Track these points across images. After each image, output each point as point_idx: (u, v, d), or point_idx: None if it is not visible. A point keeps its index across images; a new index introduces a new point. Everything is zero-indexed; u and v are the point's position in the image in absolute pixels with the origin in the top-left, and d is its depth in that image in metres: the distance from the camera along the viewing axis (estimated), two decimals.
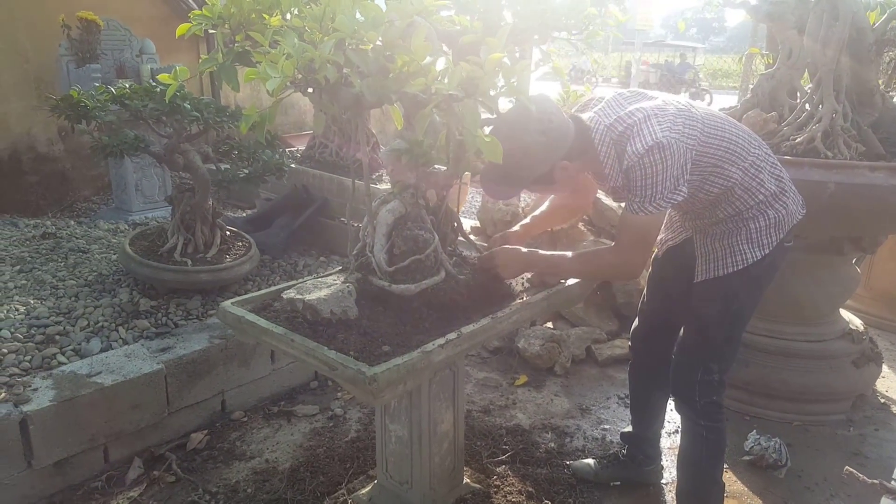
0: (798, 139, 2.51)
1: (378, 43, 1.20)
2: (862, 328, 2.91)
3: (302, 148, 5.16)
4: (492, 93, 1.30)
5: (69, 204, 5.64)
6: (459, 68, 1.19)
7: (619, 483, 2.31)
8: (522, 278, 1.91)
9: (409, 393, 1.82)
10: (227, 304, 1.70)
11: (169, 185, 5.07)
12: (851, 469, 2.24)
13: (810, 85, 2.62)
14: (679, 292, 2.01)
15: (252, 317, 1.62)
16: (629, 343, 2.29)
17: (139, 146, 2.80)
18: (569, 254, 1.84)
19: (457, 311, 1.66)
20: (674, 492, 2.17)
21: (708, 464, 1.98)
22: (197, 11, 1.43)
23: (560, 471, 2.38)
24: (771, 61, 2.89)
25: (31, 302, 2.85)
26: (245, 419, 2.72)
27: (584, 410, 2.84)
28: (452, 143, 1.63)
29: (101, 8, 5.21)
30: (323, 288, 1.64)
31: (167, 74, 1.53)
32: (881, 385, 3.04)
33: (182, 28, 1.55)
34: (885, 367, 3.03)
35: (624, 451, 2.34)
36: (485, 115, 1.58)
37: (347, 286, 1.64)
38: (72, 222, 4.43)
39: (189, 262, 2.97)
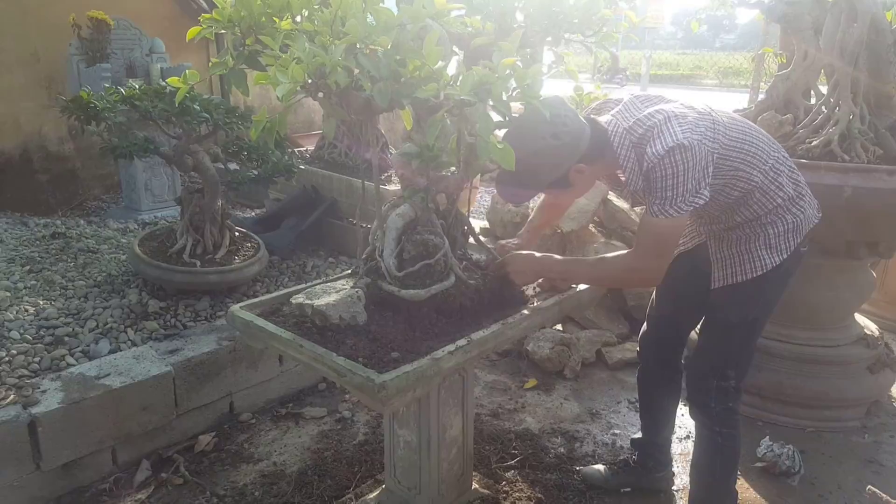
0: (814, 142, 2.47)
1: (389, 47, 1.18)
2: (877, 333, 2.87)
3: (311, 148, 5.14)
4: (504, 97, 1.27)
5: (79, 203, 5.66)
6: (472, 73, 1.17)
7: (629, 489, 2.28)
8: (534, 283, 1.88)
9: (419, 399, 1.80)
10: (235, 308, 1.69)
11: (178, 184, 5.06)
12: (875, 489, 2.18)
13: (826, 86, 2.59)
14: (690, 298, 1.99)
15: (261, 321, 1.61)
16: (638, 348, 2.26)
17: (148, 148, 2.80)
18: (584, 259, 1.81)
19: (467, 317, 1.64)
20: (685, 499, 2.14)
21: (722, 471, 1.95)
22: (207, 15, 1.42)
23: (570, 477, 2.35)
24: (784, 61, 2.84)
25: (41, 303, 2.85)
26: (253, 421, 2.71)
27: (594, 415, 2.82)
28: (463, 147, 1.61)
29: (111, 7, 5.21)
30: (332, 293, 1.63)
31: (177, 78, 1.51)
32: None
33: (192, 31, 1.53)
34: None
35: (634, 457, 2.32)
36: (496, 119, 1.56)
37: (356, 291, 1.62)
38: (81, 221, 4.44)
39: (198, 263, 2.96)
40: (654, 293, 2.18)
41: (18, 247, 3.62)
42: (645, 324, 2.22)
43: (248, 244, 3.30)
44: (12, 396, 2.15)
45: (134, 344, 2.63)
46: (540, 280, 1.87)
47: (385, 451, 2.03)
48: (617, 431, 2.69)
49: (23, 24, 5.25)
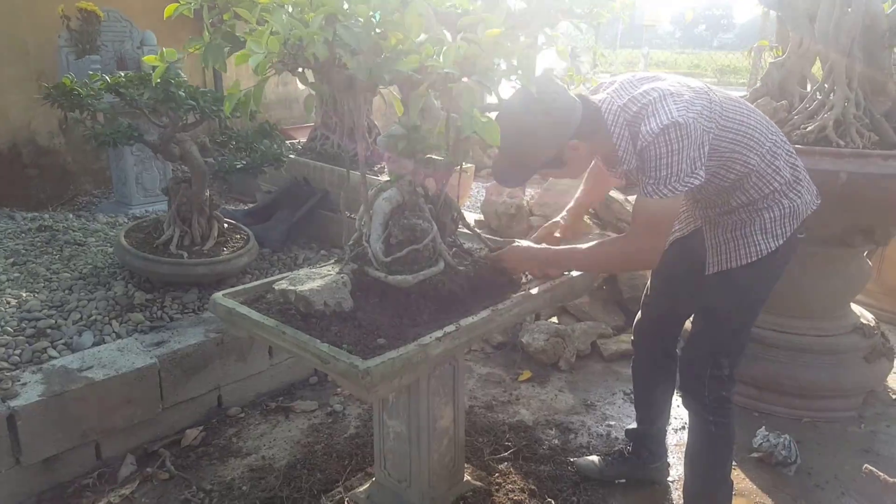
0: (809, 128, 2.44)
1: (371, 18, 1.13)
2: (873, 323, 2.84)
3: (303, 140, 5.10)
4: (490, 73, 1.23)
5: (70, 198, 5.59)
6: (455, 45, 1.12)
7: (624, 481, 2.25)
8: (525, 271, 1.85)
9: (408, 388, 1.76)
10: (218, 295, 1.65)
11: (169, 177, 5.02)
12: (871, 468, 2.16)
13: (822, 72, 2.55)
14: (685, 285, 1.96)
15: (243, 309, 1.57)
16: (632, 337, 2.23)
17: (132, 135, 2.74)
18: (580, 246, 1.78)
19: (456, 304, 1.60)
20: (680, 490, 2.11)
21: (716, 461, 1.92)
22: None
23: (564, 468, 2.32)
24: (780, 53, 2.82)
25: (24, 295, 2.80)
26: (242, 415, 2.66)
27: (589, 406, 2.78)
28: (452, 130, 1.57)
29: None
30: (316, 279, 1.59)
31: (154, 56, 1.47)
32: (893, 381, 2.97)
33: (170, 9, 1.48)
34: None
35: (629, 448, 2.28)
36: (491, 100, 1.52)
37: (342, 277, 1.58)
38: (70, 215, 4.38)
39: (185, 254, 2.91)
40: (648, 280, 2.15)
41: (3, 239, 3.56)
42: (639, 311, 2.18)
43: (238, 236, 3.25)
44: None
45: (119, 336, 2.58)
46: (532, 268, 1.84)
47: (375, 443, 1.99)
48: (612, 423, 2.65)
49: (12, 17, 5.17)
